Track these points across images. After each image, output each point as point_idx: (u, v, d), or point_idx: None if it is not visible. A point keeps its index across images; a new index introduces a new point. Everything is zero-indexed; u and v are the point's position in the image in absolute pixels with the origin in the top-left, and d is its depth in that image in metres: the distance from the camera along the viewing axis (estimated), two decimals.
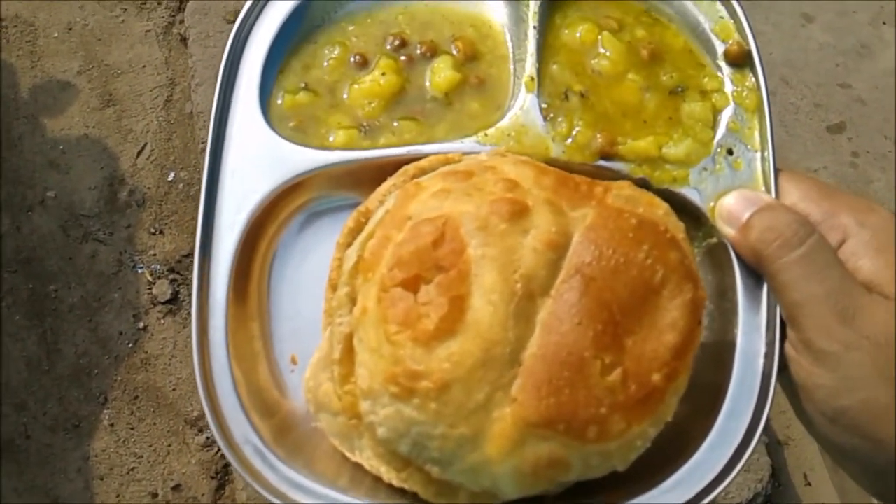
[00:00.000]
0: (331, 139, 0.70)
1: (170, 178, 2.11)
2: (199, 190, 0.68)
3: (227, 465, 1.79)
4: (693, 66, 0.72)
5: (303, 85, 0.72)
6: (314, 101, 0.71)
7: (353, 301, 0.61)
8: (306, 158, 0.69)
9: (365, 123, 0.71)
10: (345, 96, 0.72)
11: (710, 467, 0.62)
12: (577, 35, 0.72)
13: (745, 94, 0.70)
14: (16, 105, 2.20)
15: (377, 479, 0.62)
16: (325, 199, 0.71)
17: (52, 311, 1.97)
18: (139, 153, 2.14)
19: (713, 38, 0.72)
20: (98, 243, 2.04)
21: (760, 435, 0.63)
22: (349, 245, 0.64)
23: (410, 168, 0.66)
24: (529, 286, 0.56)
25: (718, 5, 0.73)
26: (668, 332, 0.57)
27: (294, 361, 0.68)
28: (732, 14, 0.72)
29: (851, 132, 2.20)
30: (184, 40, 2.25)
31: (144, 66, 2.26)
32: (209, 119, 0.70)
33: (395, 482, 0.61)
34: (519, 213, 0.58)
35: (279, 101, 0.72)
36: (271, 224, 0.70)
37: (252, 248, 0.69)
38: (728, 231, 0.65)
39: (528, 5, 0.72)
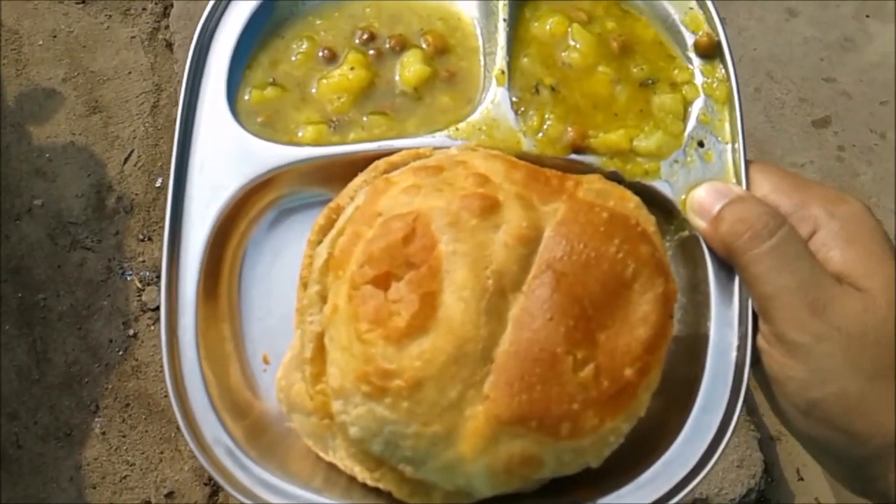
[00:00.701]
0: (300, 135, 0.69)
1: (157, 185, 2.10)
2: (172, 152, 0.67)
3: None
4: (663, 57, 0.72)
5: (271, 80, 0.71)
6: (282, 97, 0.70)
7: (323, 299, 0.61)
8: (275, 154, 0.68)
9: (334, 118, 0.70)
10: (313, 91, 0.71)
11: (685, 461, 0.62)
12: (548, 28, 0.71)
13: (715, 85, 0.70)
14: (1, 114, 2.17)
15: (352, 480, 0.61)
16: (295, 196, 0.70)
17: (42, 320, 1.95)
18: (126, 159, 2.13)
19: (683, 29, 0.71)
20: (86, 251, 2.02)
21: (734, 428, 0.62)
22: (320, 242, 0.64)
23: (381, 163, 0.65)
24: (501, 282, 0.56)
25: None
26: (640, 327, 0.57)
27: (266, 361, 0.68)
28: (702, 5, 0.72)
29: (837, 126, 2.21)
30: (169, 45, 2.24)
31: (130, 73, 2.24)
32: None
33: (369, 482, 0.60)
34: (489, 208, 0.57)
35: (246, 97, 0.71)
36: (241, 221, 0.69)
37: (222, 246, 0.68)
38: (699, 223, 0.65)
39: None
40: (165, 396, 1.88)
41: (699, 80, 0.70)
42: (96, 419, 1.86)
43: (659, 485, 0.62)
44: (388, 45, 0.72)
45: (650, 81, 0.70)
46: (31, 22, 2.29)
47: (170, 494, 1.81)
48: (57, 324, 1.94)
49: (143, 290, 1.98)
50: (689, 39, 0.71)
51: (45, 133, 2.15)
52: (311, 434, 0.63)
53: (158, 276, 1.95)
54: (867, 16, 2.36)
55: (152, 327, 1.95)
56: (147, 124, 2.16)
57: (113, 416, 1.87)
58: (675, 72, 0.71)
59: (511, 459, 0.55)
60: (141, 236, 2.04)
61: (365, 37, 0.72)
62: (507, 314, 0.56)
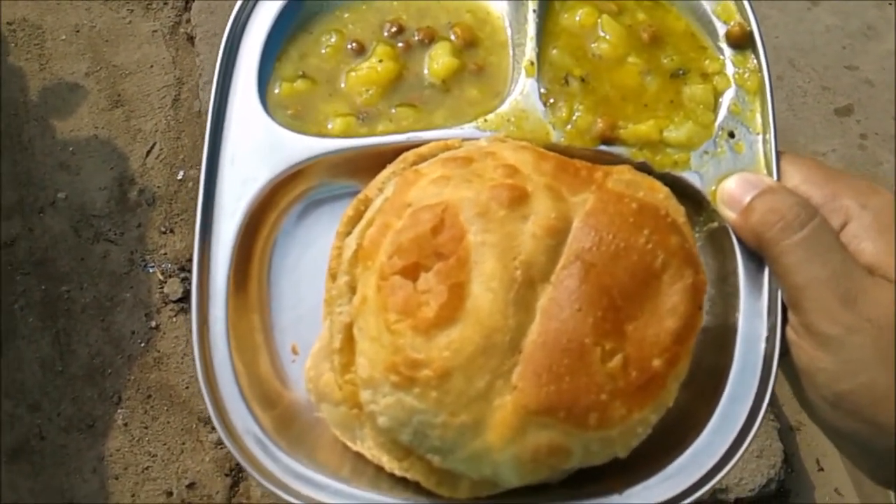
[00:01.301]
0: (329, 127, 0.70)
1: (179, 177, 2.12)
2: (203, 146, 0.68)
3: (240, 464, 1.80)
4: (694, 48, 0.71)
5: (300, 73, 0.71)
6: (312, 89, 0.71)
7: (352, 290, 0.61)
8: (305, 146, 0.68)
9: (363, 111, 0.70)
10: (342, 84, 0.71)
11: (713, 452, 0.62)
12: (577, 19, 0.71)
13: (746, 76, 0.69)
14: (25, 108, 2.19)
15: (379, 469, 0.62)
16: (324, 188, 0.70)
17: (65, 312, 1.97)
18: (148, 153, 2.14)
19: (714, 19, 0.71)
20: (109, 243, 2.04)
21: (762, 419, 0.62)
22: (349, 234, 0.64)
23: (410, 155, 0.66)
24: (529, 273, 0.56)
25: None
26: (669, 318, 0.57)
27: (295, 351, 0.68)
28: None
29: (860, 114, 2.18)
30: (190, 39, 2.25)
31: (152, 66, 2.26)
32: None
33: (397, 471, 0.61)
34: (518, 199, 0.57)
35: (276, 90, 0.71)
36: (271, 213, 0.69)
37: (252, 237, 0.68)
38: (729, 214, 0.64)
39: None
40: (187, 388, 1.90)
41: (730, 70, 0.70)
42: (119, 410, 1.88)
43: (686, 475, 0.61)
44: (416, 38, 0.72)
45: (681, 72, 0.70)
46: (53, 17, 2.31)
47: (191, 485, 1.83)
48: (80, 316, 1.97)
49: (166, 283, 1.99)
50: (721, 29, 0.71)
51: (68, 127, 2.17)
52: (340, 424, 0.63)
53: (181, 269, 2.00)
54: (889, 3, 2.33)
55: (174, 319, 1.96)
56: (169, 117, 2.18)
57: (135, 407, 1.89)
58: (706, 62, 0.71)
59: (538, 449, 0.55)
60: (163, 229, 2.06)
61: (394, 29, 0.72)
62: (535, 305, 0.56)
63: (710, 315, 0.66)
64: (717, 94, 0.69)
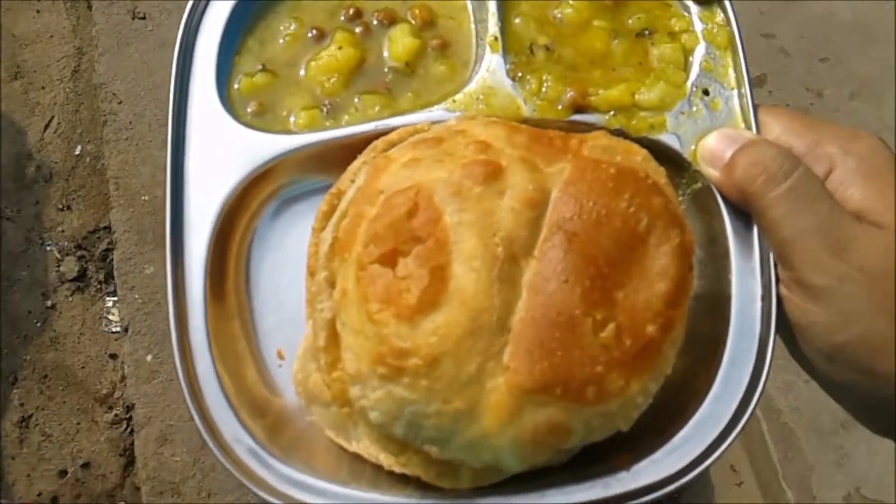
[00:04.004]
0: (292, 120, 0.68)
1: (77, 152, 2.07)
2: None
3: (133, 443, 1.80)
4: (659, 6, 0.70)
5: (260, 66, 0.69)
6: (273, 82, 0.69)
7: (332, 285, 0.59)
8: (271, 145, 0.66)
9: (326, 101, 0.68)
10: (303, 74, 0.70)
11: (718, 419, 0.61)
12: None
13: (715, 31, 0.68)
14: None
15: (378, 468, 0.60)
16: (295, 185, 0.69)
17: None
18: (46, 126, 2.10)
19: None
20: (6, 221, 2.01)
21: (766, 381, 0.61)
22: (324, 229, 0.62)
23: (379, 143, 0.64)
24: (511, 248, 0.54)
25: None
26: (659, 281, 0.55)
27: (281, 356, 0.67)
28: None
29: (772, 85, 2.10)
30: (90, 6, 2.17)
31: (52, 36, 2.20)
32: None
33: (395, 468, 0.59)
34: (493, 174, 0.56)
35: (237, 86, 0.69)
36: (243, 215, 0.67)
37: (225, 243, 0.66)
38: (711, 172, 0.63)
39: None
40: (83, 367, 1.90)
41: (698, 27, 0.69)
42: (14, 390, 1.88)
43: (693, 446, 0.60)
44: (375, 21, 0.70)
45: (647, 32, 0.69)
46: None
47: (86, 465, 1.83)
48: None
49: (62, 261, 1.97)
50: None
51: None
52: (333, 425, 0.62)
53: (77, 247, 1.97)
54: None
55: (70, 298, 1.94)
56: (68, 90, 2.14)
57: (31, 387, 1.88)
58: (673, 21, 0.69)
59: (538, 429, 0.53)
60: (60, 206, 2.02)
61: (351, 13, 0.70)
62: (520, 281, 0.54)
63: (701, 279, 0.65)
64: (687, 53, 0.68)
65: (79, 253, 1.98)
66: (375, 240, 0.55)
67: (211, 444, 0.61)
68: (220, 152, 0.66)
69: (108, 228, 1.96)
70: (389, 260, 0.54)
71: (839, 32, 2.17)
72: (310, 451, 0.63)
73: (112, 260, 1.93)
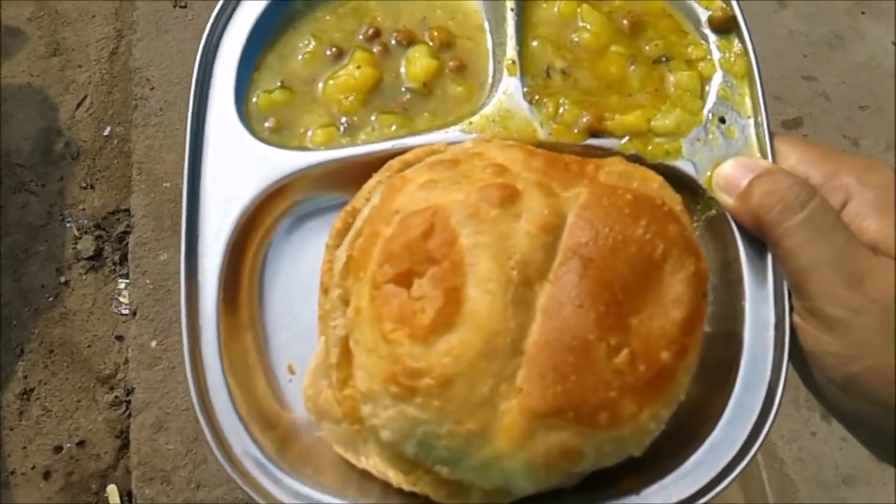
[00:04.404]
0: (309, 136, 0.69)
1: (105, 133, 2.12)
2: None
3: (130, 426, 1.83)
4: (676, 32, 0.71)
5: (278, 83, 0.70)
6: (290, 99, 0.70)
7: (346, 302, 0.60)
8: (288, 161, 0.67)
9: (343, 119, 0.69)
10: (321, 92, 0.70)
11: (730, 444, 0.61)
12: (556, 10, 0.71)
13: (732, 59, 0.69)
14: None
15: (387, 486, 0.60)
16: (310, 201, 0.69)
17: None
18: (79, 105, 2.15)
19: (696, 5, 0.71)
20: (30, 194, 2.06)
21: (779, 407, 0.61)
22: (339, 246, 0.63)
23: (395, 163, 0.64)
24: (526, 272, 0.54)
25: None
26: (674, 308, 0.56)
27: (292, 371, 0.67)
28: None
29: (809, 128, 2.08)
30: None
31: (94, 16, 2.25)
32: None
33: (405, 486, 0.59)
34: (509, 197, 0.56)
35: (255, 100, 0.70)
36: (257, 230, 0.68)
37: (240, 256, 0.67)
38: (727, 200, 0.63)
39: None
40: (89, 346, 1.93)
41: (716, 55, 0.69)
42: (20, 362, 1.91)
43: (704, 471, 0.61)
44: (393, 41, 0.71)
45: (664, 59, 0.69)
46: None
47: (81, 443, 1.86)
48: None
49: (80, 239, 2.01)
50: (703, 15, 0.70)
51: (3, 72, 2.17)
52: (342, 441, 0.62)
53: (96, 226, 2.01)
54: (862, 12, 2.23)
55: (84, 277, 1.98)
56: (104, 70, 2.18)
57: (36, 360, 1.92)
58: (690, 48, 0.70)
59: (550, 453, 0.53)
60: (84, 184, 2.06)
61: (370, 33, 0.71)
62: (534, 304, 0.54)
63: (715, 305, 0.65)
64: (704, 80, 0.69)
65: (97, 232, 2.02)
66: (391, 259, 0.55)
67: (219, 456, 0.61)
68: (237, 167, 0.67)
69: (127, 211, 1.99)
70: (404, 280, 0.55)
71: (881, 81, 2.14)
72: (318, 466, 0.63)
73: (128, 243, 1.95)
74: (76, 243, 2.00)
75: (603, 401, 0.53)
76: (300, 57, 0.71)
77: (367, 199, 0.63)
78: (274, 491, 0.61)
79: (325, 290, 0.63)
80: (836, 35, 2.19)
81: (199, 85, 0.69)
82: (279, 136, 0.69)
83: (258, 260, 0.68)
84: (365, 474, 0.61)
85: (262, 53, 0.71)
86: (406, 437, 0.55)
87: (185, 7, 2.11)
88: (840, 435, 1.60)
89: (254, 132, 0.68)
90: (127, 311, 1.93)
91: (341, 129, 0.69)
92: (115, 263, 1.99)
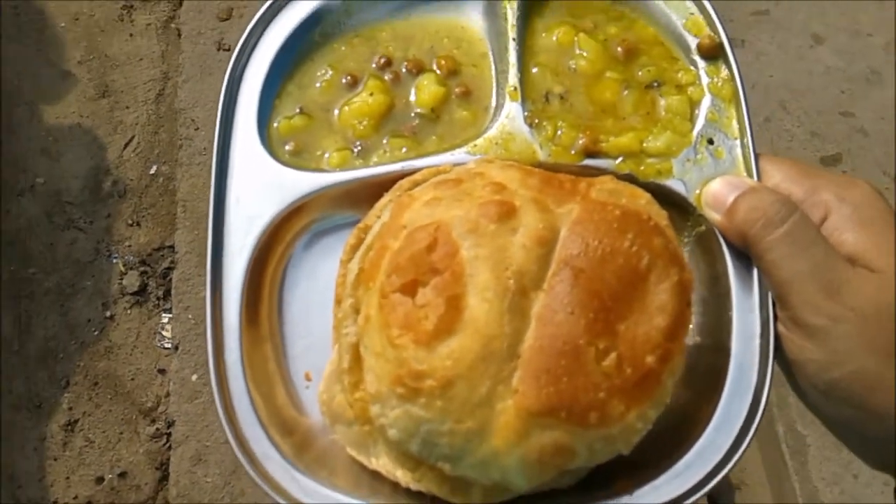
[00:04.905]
0: (326, 158, 0.73)
1: (152, 172, 2.17)
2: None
3: (170, 459, 1.84)
4: (667, 58, 0.74)
5: (298, 110, 0.75)
6: (309, 125, 0.74)
7: (357, 311, 0.64)
8: (306, 182, 0.71)
9: (357, 143, 0.73)
10: (336, 118, 0.75)
11: (717, 448, 0.64)
12: (554, 38, 0.75)
13: (720, 84, 0.72)
14: (18, 92, 2.26)
15: (396, 486, 0.64)
16: (326, 219, 0.73)
17: (29, 294, 2.05)
18: (126, 145, 2.20)
19: (685, 33, 0.74)
20: (78, 231, 2.11)
21: (763, 414, 0.64)
22: (352, 260, 0.67)
23: (405, 182, 0.68)
24: (522, 281, 0.58)
25: (688, 3, 0.75)
26: (658, 315, 0.59)
27: (308, 378, 0.70)
28: (701, 8, 0.74)
29: (847, 165, 2.03)
30: (180, 34, 2.29)
31: (142, 59, 2.31)
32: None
33: (411, 484, 0.62)
34: (507, 213, 0.60)
35: (276, 126, 0.74)
36: (277, 247, 0.72)
37: (261, 272, 0.71)
38: (714, 216, 0.67)
39: (506, 17, 0.74)
40: (132, 379, 1.96)
41: (704, 80, 0.73)
42: (65, 394, 1.95)
43: (693, 473, 0.63)
44: (404, 70, 0.76)
45: (656, 84, 0.73)
46: (56, 3, 2.38)
47: (123, 475, 1.88)
48: (42, 299, 2.04)
49: (125, 275, 2.05)
50: (692, 43, 0.74)
51: (55, 113, 2.24)
52: (354, 443, 0.65)
53: (141, 262, 2.05)
54: None
55: (129, 311, 2.02)
56: (150, 112, 2.23)
57: (81, 392, 1.95)
58: (680, 74, 0.73)
59: (543, 450, 0.57)
60: (130, 221, 2.11)
61: (382, 62, 0.76)
62: (529, 311, 0.58)
63: (705, 316, 0.69)
64: (693, 104, 0.72)
65: (142, 268, 2.06)
66: (397, 271, 0.59)
67: (242, 459, 0.65)
68: (259, 188, 0.71)
69: (171, 248, 2.03)
70: (410, 289, 0.59)
71: None
72: (332, 467, 0.67)
73: (172, 278, 1.99)
74: (122, 279, 2.04)
75: (593, 401, 0.56)
76: (318, 85, 0.76)
77: (378, 217, 0.67)
78: (294, 491, 0.64)
79: (338, 302, 0.66)
80: (874, 70, 2.15)
81: (224, 112, 0.73)
82: (298, 159, 0.73)
83: (278, 274, 0.72)
84: (376, 475, 0.65)
85: (283, 83, 0.76)
86: (411, 435, 0.58)
87: (228, 50, 2.15)
88: (883, 479, 1.57)
89: (275, 155, 0.72)
90: (169, 346, 1.95)
91: (355, 151, 0.73)
92: (158, 298, 2.03)
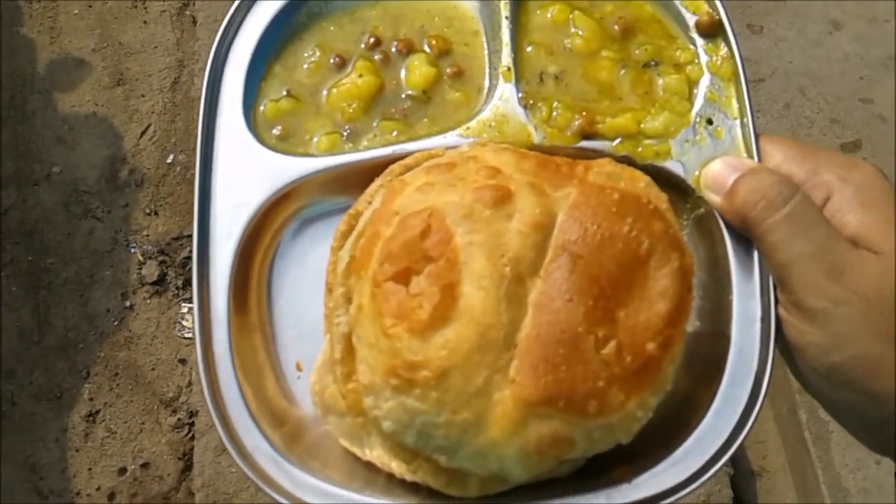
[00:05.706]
0: (314, 142, 0.71)
1: (168, 161, 2.16)
2: (195, 174, 0.69)
3: (193, 448, 1.85)
4: (665, 37, 0.73)
5: (284, 92, 0.73)
6: (296, 108, 0.72)
7: (349, 301, 0.62)
8: (293, 167, 0.69)
9: (347, 126, 0.71)
10: (325, 100, 0.73)
11: (717, 435, 0.63)
12: (549, 16, 0.73)
13: (719, 63, 0.71)
14: (32, 80, 2.25)
15: (390, 477, 0.63)
16: (316, 205, 0.72)
17: (47, 285, 2.04)
18: (142, 133, 2.19)
19: (683, 11, 0.72)
20: (96, 221, 2.10)
21: (764, 398, 0.63)
22: (342, 247, 0.65)
23: (396, 167, 0.67)
24: (518, 268, 0.57)
25: None
26: (659, 301, 0.58)
27: (299, 368, 0.69)
28: None
29: (867, 151, 2.03)
30: (195, 22, 2.28)
31: (156, 47, 2.29)
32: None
33: (406, 475, 0.61)
34: (502, 198, 0.58)
35: (262, 109, 0.72)
36: (265, 234, 0.70)
37: (249, 259, 0.69)
38: (714, 198, 0.66)
39: None
40: (153, 369, 1.96)
41: (703, 59, 0.71)
42: (86, 385, 1.95)
43: (693, 460, 0.62)
44: (394, 50, 0.74)
45: (653, 63, 0.71)
46: None
47: (145, 465, 1.89)
48: (61, 289, 2.03)
49: (144, 264, 2.05)
50: (691, 20, 0.72)
51: (70, 102, 2.22)
52: (347, 434, 0.64)
53: (160, 251, 2.04)
54: None
55: (148, 301, 2.01)
56: (166, 100, 2.22)
57: (102, 383, 1.95)
58: (678, 52, 0.72)
59: (542, 440, 0.56)
60: (148, 210, 2.10)
61: (371, 41, 0.74)
62: (526, 299, 0.57)
63: (704, 300, 0.67)
64: (692, 84, 0.71)
65: (161, 258, 2.06)
66: (390, 259, 0.58)
67: (232, 451, 0.64)
68: (246, 173, 0.69)
69: (190, 237, 2.02)
70: (403, 278, 0.57)
71: None
72: (325, 459, 0.65)
73: (191, 268, 1.99)
74: (140, 268, 2.03)
75: (592, 390, 0.55)
76: (305, 66, 0.74)
77: (370, 202, 0.65)
78: (285, 483, 0.63)
79: (329, 290, 0.65)
80: (891, 56, 2.16)
81: (208, 95, 0.71)
82: (286, 144, 0.71)
83: (266, 262, 0.71)
84: (370, 466, 0.63)
85: (269, 64, 0.74)
86: (406, 427, 0.57)
87: None
88: None
89: (261, 140, 0.71)
90: (190, 335, 1.94)
91: (345, 135, 0.71)
92: (178, 288, 2.02)
